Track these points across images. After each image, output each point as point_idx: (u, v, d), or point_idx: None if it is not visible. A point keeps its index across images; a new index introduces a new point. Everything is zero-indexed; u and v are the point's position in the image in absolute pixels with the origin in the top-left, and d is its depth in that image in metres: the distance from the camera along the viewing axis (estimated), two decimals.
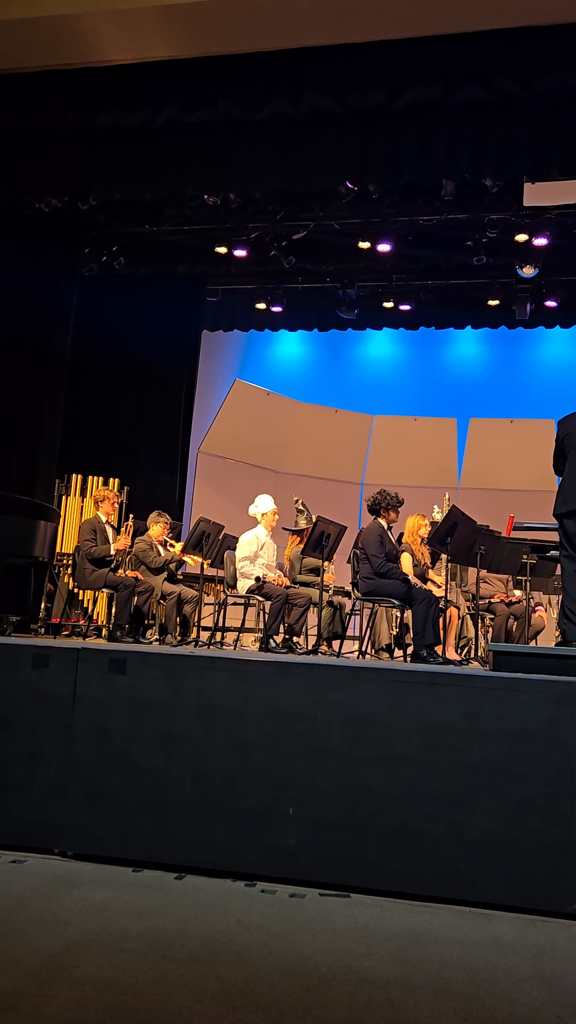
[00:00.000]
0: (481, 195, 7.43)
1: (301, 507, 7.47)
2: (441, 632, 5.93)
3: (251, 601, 6.66)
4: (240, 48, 6.24)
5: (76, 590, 7.72)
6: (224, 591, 6.95)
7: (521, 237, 8.25)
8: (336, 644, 6.75)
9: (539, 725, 3.46)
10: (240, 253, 8.91)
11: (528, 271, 8.57)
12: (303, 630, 6.74)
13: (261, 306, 10.02)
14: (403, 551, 6.50)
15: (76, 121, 6.67)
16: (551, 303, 9.33)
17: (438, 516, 6.93)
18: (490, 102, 6.02)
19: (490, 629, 6.97)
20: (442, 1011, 2.42)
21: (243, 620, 7.07)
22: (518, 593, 6.95)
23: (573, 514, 4.68)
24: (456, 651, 6.68)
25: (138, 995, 2.42)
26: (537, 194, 6.87)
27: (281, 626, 6.44)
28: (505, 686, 3.55)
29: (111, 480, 8.74)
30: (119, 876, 3.53)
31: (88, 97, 6.62)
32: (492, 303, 9.48)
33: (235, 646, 6.97)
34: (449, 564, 6.26)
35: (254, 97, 6.32)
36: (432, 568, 6.82)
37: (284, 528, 7.45)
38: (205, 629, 7.17)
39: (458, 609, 6.78)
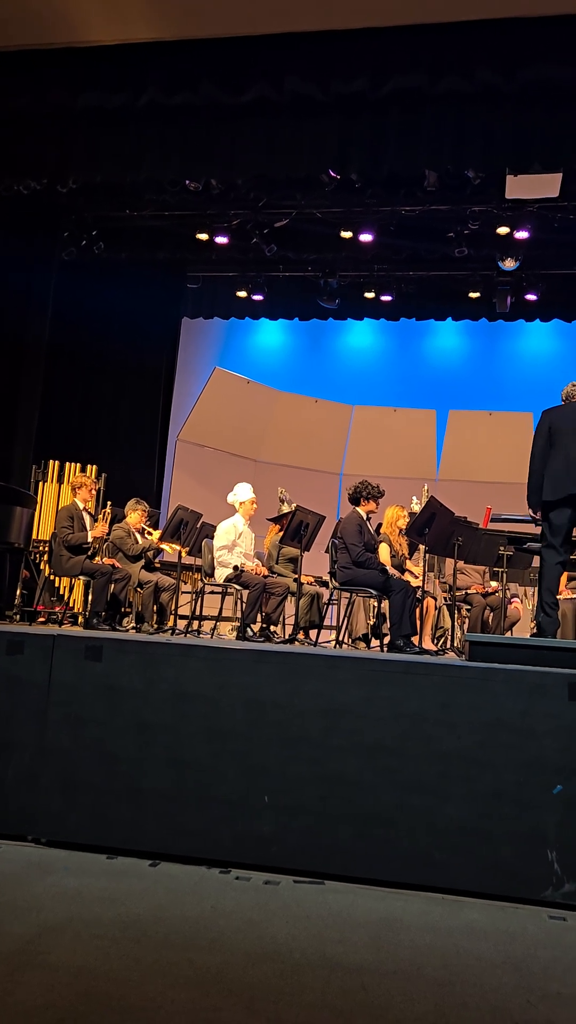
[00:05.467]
0: (463, 187, 7.44)
1: (284, 496, 7.48)
2: (418, 622, 5.96)
3: (228, 590, 6.65)
4: (223, 32, 6.18)
5: (52, 577, 7.67)
6: (202, 579, 6.93)
7: (503, 230, 8.27)
8: (313, 633, 6.76)
9: (513, 715, 3.49)
10: (221, 240, 8.86)
11: (509, 264, 8.59)
12: (280, 619, 6.75)
13: (242, 294, 9.98)
14: (381, 541, 6.52)
15: (56, 102, 6.57)
16: (531, 296, 9.38)
17: (416, 507, 6.95)
18: (473, 93, 6.00)
19: (466, 620, 7.01)
20: (414, 996, 2.45)
21: (220, 609, 7.06)
22: (494, 584, 7.00)
23: (557, 503, 4.69)
24: (432, 641, 6.72)
25: (111, 981, 2.42)
26: (519, 187, 6.87)
27: (259, 615, 6.44)
28: (480, 676, 3.57)
29: (89, 467, 8.68)
30: (93, 863, 3.52)
31: (68, 78, 6.52)
32: (473, 295, 9.51)
33: (212, 635, 6.96)
34: (427, 555, 6.29)
35: (237, 81, 6.26)
36: (410, 559, 6.85)
37: (268, 519, 7.44)
38: (182, 618, 7.16)
39: (435, 599, 6.82)
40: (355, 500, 6.19)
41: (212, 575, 6.58)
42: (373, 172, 6.78)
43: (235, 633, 6.61)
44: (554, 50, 5.78)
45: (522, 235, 8.26)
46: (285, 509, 7.21)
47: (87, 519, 6.58)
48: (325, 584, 6.94)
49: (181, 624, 6.94)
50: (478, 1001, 2.44)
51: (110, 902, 3.05)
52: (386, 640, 6.03)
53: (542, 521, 4.81)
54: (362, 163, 6.52)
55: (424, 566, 6.39)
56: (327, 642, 6.88)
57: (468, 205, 8.05)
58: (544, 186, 6.81)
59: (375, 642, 6.55)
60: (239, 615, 6.52)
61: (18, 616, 6.93)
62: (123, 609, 6.80)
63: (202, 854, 3.58)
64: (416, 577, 6.55)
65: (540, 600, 4.71)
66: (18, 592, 7.10)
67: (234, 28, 6.14)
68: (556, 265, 9.13)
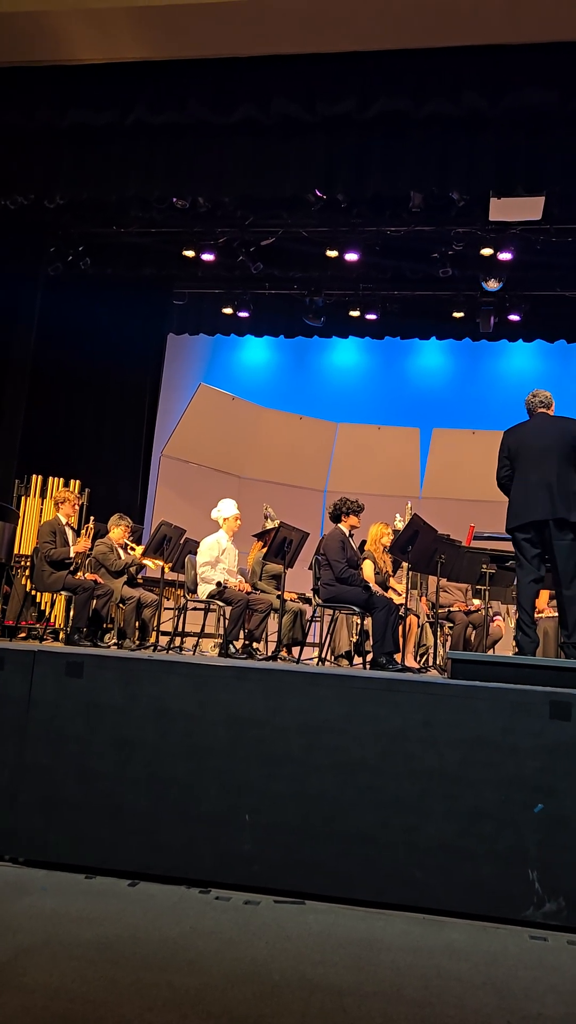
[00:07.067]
0: (448, 208, 7.52)
1: (269, 513, 7.47)
2: (400, 640, 5.96)
3: (211, 606, 6.63)
4: (211, 52, 6.25)
5: (34, 592, 7.61)
6: (184, 596, 6.91)
7: (486, 251, 8.37)
8: (296, 650, 6.74)
9: (494, 733, 3.49)
10: (208, 257, 8.90)
11: (492, 285, 8.69)
12: (263, 636, 6.73)
13: (228, 311, 10.02)
14: (365, 558, 6.53)
15: (44, 119, 6.61)
16: (514, 317, 9.48)
17: (400, 524, 6.97)
18: (457, 116, 6.10)
19: (449, 637, 7.02)
20: (394, 1018, 2.42)
21: (203, 625, 7.03)
22: (477, 602, 7.01)
23: (525, 527, 4.72)
24: (415, 659, 6.72)
25: (88, 1003, 2.38)
26: (502, 209, 6.97)
27: (241, 632, 6.42)
28: (462, 694, 3.57)
29: (72, 482, 8.65)
30: (71, 883, 3.47)
31: (56, 95, 6.57)
32: (457, 315, 9.60)
33: (194, 651, 6.93)
34: (410, 572, 6.30)
35: (224, 101, 6.33)
36: (393, 576, 6.86)
37: (253, 536, 7.44)
38: (164, 634, 7.12)
39: (418, 617, 6.82)
40: (336, 517, 6.21)
41: (195, 591, 6.56)
42: (359, 192, 6.86)
43: (217, 650, 6.58)
44: (537, 76, 5.89)
45: (505, 256, 8.36)
46: (269, 525, 7.21)
47: (70, 534, 6.55)
48: (308, 601, 6.93)
49: (163, 640, 6.90)
50: (458, 1022, 2.42)
51: (88, 922, 3.01)
52: (369, 657, 6.02)
53: (512, 543, 4.84)
54: (348, 183, 6.60)
55: (407, 583, 6.40)
56: (310, 659, 6.86)
57: (452, 226, 8.16)
58: (527, 209, 6.90)
59: (358, 659, 6.54)
60: (222, 632, 6.49)
61: None
62: (105, 625, 6.76)
63: (181, 873, 3.54)
64: (399, 594, 6.55)
65: (518, 619, 4.73)
66: None
67: (222, 49, 6.21)
68: (539, 286, 9.25)
